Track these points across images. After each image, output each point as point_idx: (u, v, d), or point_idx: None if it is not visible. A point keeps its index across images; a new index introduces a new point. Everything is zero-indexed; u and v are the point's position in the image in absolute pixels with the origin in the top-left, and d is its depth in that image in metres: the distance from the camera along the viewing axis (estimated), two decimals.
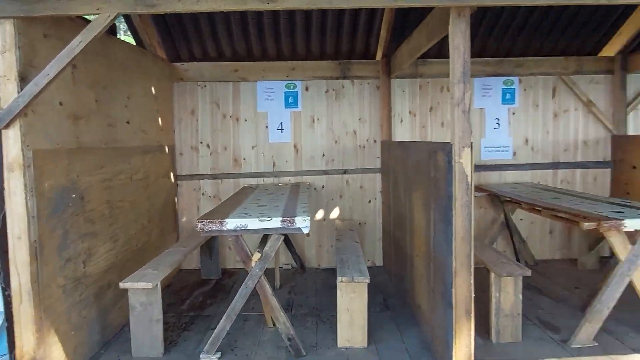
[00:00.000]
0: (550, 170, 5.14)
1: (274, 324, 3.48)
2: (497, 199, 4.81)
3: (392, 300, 4.14)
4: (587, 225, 2.96)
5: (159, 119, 4.60)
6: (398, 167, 4.13)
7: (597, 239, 4.59)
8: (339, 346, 3.23)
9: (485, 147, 5.12)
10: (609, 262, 4.10)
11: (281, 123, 5.10)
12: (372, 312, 3.78)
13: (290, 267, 5.19)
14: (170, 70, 4.92)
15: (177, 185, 5.07)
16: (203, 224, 2.85)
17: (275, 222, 2.88)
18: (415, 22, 4.28)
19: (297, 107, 5.09)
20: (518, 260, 4.72)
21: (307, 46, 4.98)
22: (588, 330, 3.10)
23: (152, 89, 4.44)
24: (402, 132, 5.10)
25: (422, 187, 3.24)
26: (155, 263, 3.51)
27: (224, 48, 4.94)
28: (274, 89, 5.08)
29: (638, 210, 3.14)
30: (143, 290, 3.07)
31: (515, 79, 5.09)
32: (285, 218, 2.88)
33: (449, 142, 2.61)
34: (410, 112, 5.10)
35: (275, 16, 4.46)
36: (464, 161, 2.54)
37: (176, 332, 3.55)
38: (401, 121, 5.09)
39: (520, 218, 5.08)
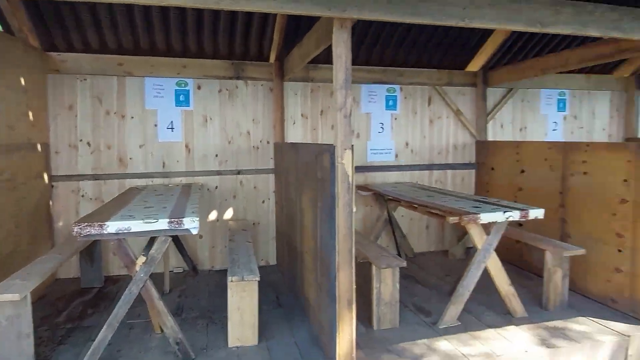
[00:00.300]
0: (427, 171, 5.69)
1: (162, 330, 3.37)
2: (381, 198, 5.19)
3: (284, 297, 4.25)
4: (451, 219, 3.36)
5: (30, 114, 4.16)
6: (290, 168, 4.26)
7: (463, 231, 5.20)
8: (229, 346, 3.25)
9: (371, 150, 5.50)
10: (471, 251, 4.69)
11: (171, 122, 4.93)
12: (264, 310, 3.87)
13: (181, 271, 5.04)
14: (44, 60, 4.47)
15: (52, 186, 4.63)
16: (80, 228, 2.67)
17: (162, 224, 2.80)
18: (306, 28, 4.44)
19: (189, 106, 4.97)
20: (399, 253, 5.15)
21: (199, 44, 4.89)
22: (453, 312, 3.53)
23: (22, 80, 4.00)
24: (295, 134, 5.25)
25: (311, 187, 3.39)
26: (25, 272, 3.18)
27: (108, 39, 4.63)
28: (164, 85, 4.90)
29: (492, 205, 3.65)
30: (9, 302, 2.77)
31: (397, 87, 5.55)
32: (172, 219, 2.82)
33: (332, 144, 2.79)
34: (302, 115, 5.28)
35: (164, 10, 4.31)
36: (345, 162, 2.73)
37: (50, 347, 3.26)
38: (294, 123, 5.24)
39: (402, 215, 5.55)
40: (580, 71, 6.17)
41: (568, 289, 3.83)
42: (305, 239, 3.65)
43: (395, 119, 5.58)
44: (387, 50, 5.37)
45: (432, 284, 4.53)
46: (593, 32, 3.10)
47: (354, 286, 2.82)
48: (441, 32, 5.13)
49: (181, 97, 4.95)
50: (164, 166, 4.92)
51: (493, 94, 5.86)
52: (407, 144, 5.63)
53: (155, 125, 4.88)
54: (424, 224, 5.74)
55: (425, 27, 5.00)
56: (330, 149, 2.80)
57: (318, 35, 3.40)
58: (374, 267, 3.46)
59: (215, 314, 3.87)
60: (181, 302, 4.13)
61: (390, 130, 5.56)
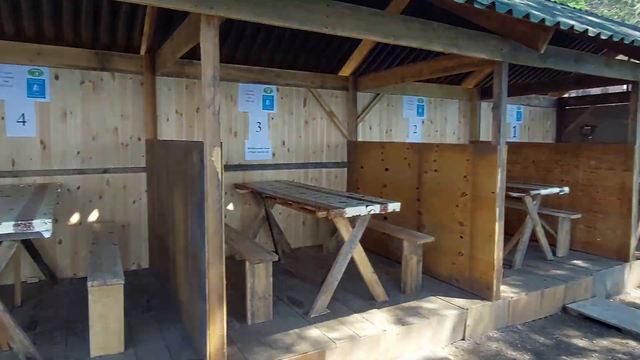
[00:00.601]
0: (303, 169, 5.93)
1: (10, 347, 3.02)
2: (259, 196, 5.27)
3: (157, 300, 4.09)
4: (320, 214, 3.58)
5: None
6: (161, 166, 4.11)
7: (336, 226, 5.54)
8: (92, 356, 3.04)
9: (249, 148, 5.55)
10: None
11: (23, 114, 4.40)
12: (133, 315, 3.68)
13: (37, 281, 4.53)
14: None
15: None
16: None
17: (6, 227, 2.51)
18: (178, 21, 4.33)
19: (45, 98, 4.49)
20: (276, 249, 5.29)
21: (57, 29, 4.44)
22: (322, 301, 3.75)
23: None
24: (169, 131, 5.07)
25: (182, 185, 3.34)
26: None
27: None
28: (13, 73, 4.35)
29: (357, 201, 3.96)
30: None
31: (274, 87, 5.68)
32: (19, 222, 2.54)
33: (202, 142, 2.78)
34: (177, 112, 5.11)
35: None
36: (214, 159, 2.74)
37: None
38: (167, 120, 5.05)
39: (279, 212, 5.70)
40: (435, 81, 6.97)
41: (422, 272, 4.32)
42: (177, 238, 3.57)
43: (272, 118, 5.70)
44: (265, 50, 5.47)
45: (307, 277, 4.74)
46: (436, 47, 3.56)
47: (225, 282, 2.85)
48: (316, 37, 5.38)
49: (35, 88, 4.45)
50: (13, 164, 4.38)
51: (362, 98, 6.33)
52: (283, 143, 5.80)
53: (2, 118, 4.32)
54: (301, 220, 5.97)
55: (300, 30, 5.19)
56: (199, 147, 2.79)
57: (188, 30, 3.35)
58: (247, 263, 3.53)
59: (76, 324, 3.57)
60: (36, 315, 3.73)
61: (268, 129, 5.68)
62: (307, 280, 4.65)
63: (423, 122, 7.03)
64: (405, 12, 4.58)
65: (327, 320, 3.63)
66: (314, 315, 3.69)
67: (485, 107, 7.60)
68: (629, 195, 5.20)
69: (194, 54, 4.54)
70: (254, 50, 5.41)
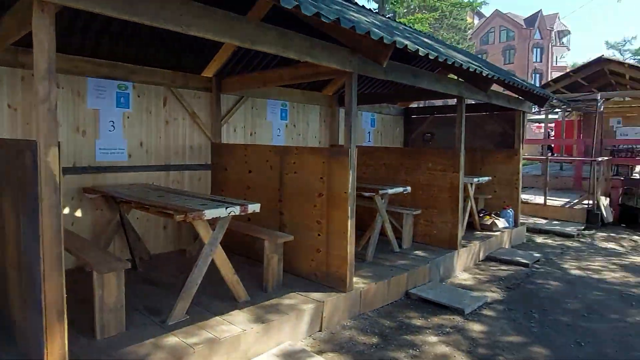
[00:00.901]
0: (163, 172, 5.66)
1: None
2: (112, 200, 4.89)
3: None
4: (178, 217, 3.49)
5: None
6: None
7: None
8: None
9: (100, 149, 5.11)
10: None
11: None
12: None
13: None
14: None
15: None
16: None
17: None
18: (8, 4, 3.81)
19: None
20: (133, 257, 4.96)
21: None
22: (181, 306, 3.65)
23: None
24: (0, 129, 4.42)
25: (13, 189, 2.96)
26: None
27: None
28: None
29: (218, 203, 3.94)
30: None
31: (129, 84, 5.32)
32: None
33: (34, 140, 2.51)
34: (9, 106, 4.47)
35: None
36: (50, 160, 2.50)
37: None
38: None
39: (137, 217, 5.36)
40: (298, 87, 7.27)
41: (283, 270, 4.48)
42: (9, 251, 3.15)
43: (128, 117, 5.34)
44: (119, 43, 5.09)
45: (167, 284, 4.55)
46: (292, 55, 3.74)
47: (65, 295, 2.61)
48: (176, 34, 5.12)
49: None
50: None
51: (227, 100, 6.29)
52: (141, 144, 5.47)
53: None
54: (162, 225, 5.70)
55: None
56: (31, 146, 2.51)
57: (20, 16, 2.98)
58: (94, 273, 3.26)
59: None
60: None
61: (122, 128, 5.29)
62: (166, 287, 4.47)
63: (286, 125, 7.27)
64: (267, 19, 4.69)
65: (186, 326, 3.54)
66: (172, 323, 3.56)
67: (344, 113, 8.15)
68: (456, 193, 6.10)
69: (30, 42, 4.05)
70: (106, 42, 5.01)
